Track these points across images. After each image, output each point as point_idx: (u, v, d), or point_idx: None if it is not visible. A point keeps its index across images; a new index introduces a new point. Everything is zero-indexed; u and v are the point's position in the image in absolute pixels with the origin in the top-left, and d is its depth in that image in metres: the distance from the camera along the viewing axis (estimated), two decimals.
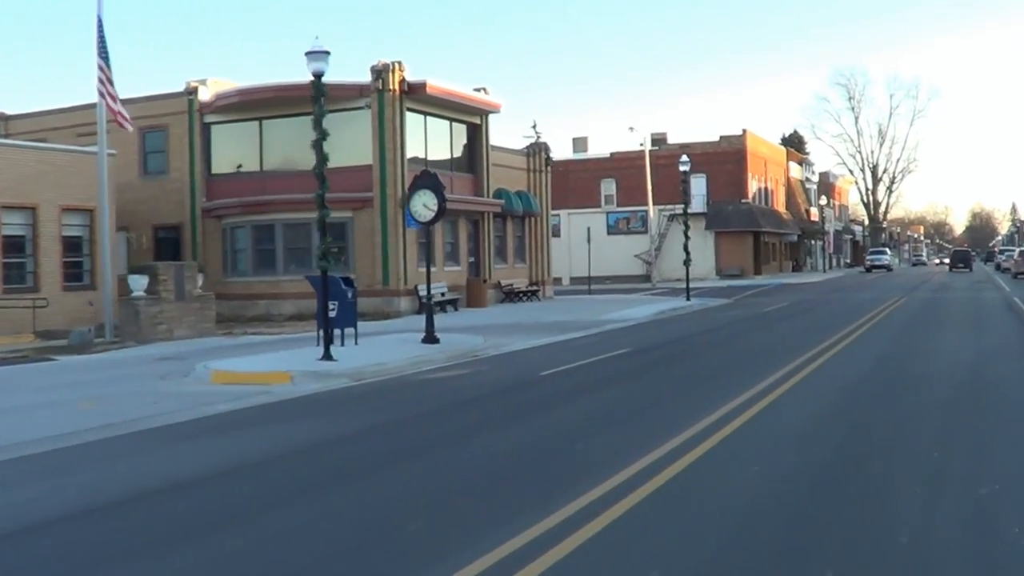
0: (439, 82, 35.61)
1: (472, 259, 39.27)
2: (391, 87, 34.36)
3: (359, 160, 35.08)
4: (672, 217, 67.79)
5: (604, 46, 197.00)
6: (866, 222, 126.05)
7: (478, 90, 39.23)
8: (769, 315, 31.82)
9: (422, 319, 34.31)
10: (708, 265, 67.20)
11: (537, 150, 44.26)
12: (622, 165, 68.21)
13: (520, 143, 44.71)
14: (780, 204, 77.37)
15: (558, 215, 71.45)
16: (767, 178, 72.72)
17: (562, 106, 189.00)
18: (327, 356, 19.17)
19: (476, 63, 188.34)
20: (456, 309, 35.80)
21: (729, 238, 66.04)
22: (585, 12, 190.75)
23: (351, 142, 35.38)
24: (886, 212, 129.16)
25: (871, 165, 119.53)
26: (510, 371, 18.35)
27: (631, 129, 62.07)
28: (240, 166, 37.36)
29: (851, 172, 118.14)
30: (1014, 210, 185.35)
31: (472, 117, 39.23)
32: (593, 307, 37.54)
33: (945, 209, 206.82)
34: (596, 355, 20.16)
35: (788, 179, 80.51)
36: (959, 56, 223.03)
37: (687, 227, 41.67)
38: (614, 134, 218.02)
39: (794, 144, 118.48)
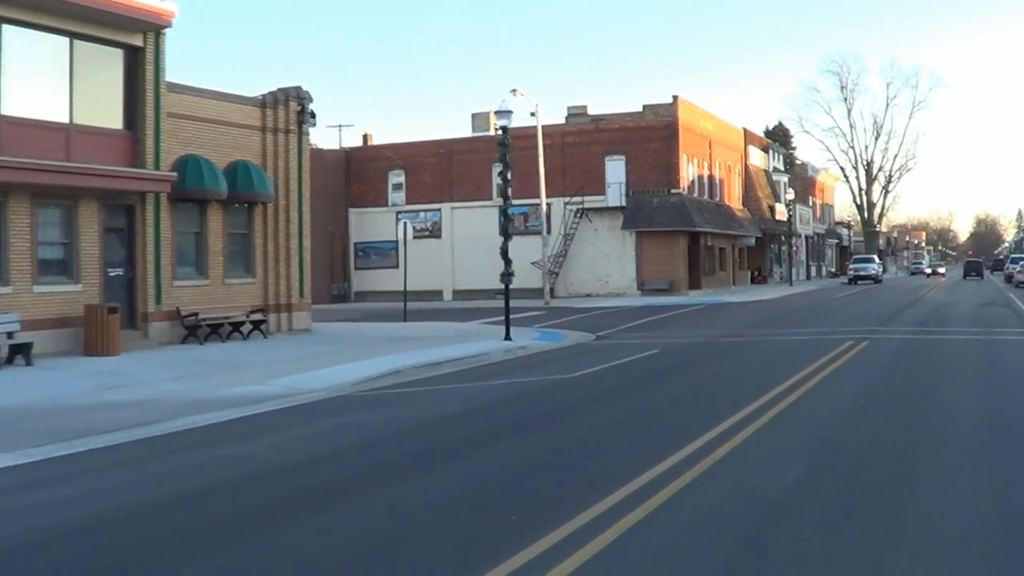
0: None
1: (120, 271, 22.97)
2: None
3: None
4: (581, 212, 51.33)
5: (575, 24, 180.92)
6: (853, 225, 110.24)
7: None
8: (563, 393, 15.66)
9: None
10: (628, 276, 50.72)
11: (283, 99, 27.84)
12: (520, 146, 51.44)
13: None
14: (734, 199, 60.82)
15: (438, 209, 55.36)
16: (713, 164, 56.17)
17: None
18: None
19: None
20: (29, 363, 19.45)
21: (655, 241, 49.49)
22: None
23: None
24: (881, 214, 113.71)
25: (865, 162, 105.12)
26: None
27: (514, 92, 45.54)
28: None
29: (842, 170, 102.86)
30: (1020, 216, 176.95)
31: (126, 35, 22.95)
32: (299, 356, 21.32)
33: (949, 215, 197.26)
34: None
35: (747, 167, 63.89)
36: (964, 52, 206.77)
37: (508, 221, 25.32)
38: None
39: (778, 138, 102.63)
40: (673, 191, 49.53)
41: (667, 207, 49.16)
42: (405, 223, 34.36)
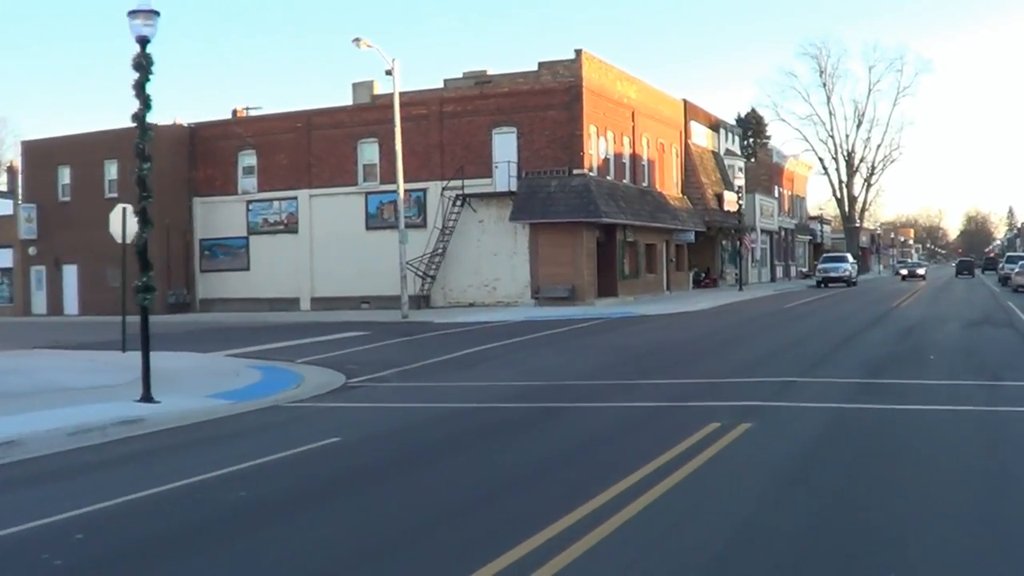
0: None
1: None
2: None
3: None
4: (462, 200, 40.43)
5: None
6: (832, 221, 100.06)
7: None
8: None
9: None
10: (521, 282, 39.86)
11: None
12: (390, 117, 40.73)
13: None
14: (669, 184, 49.92)
15: (295, 198, 44.61)
16: (637, 140, 45.28)
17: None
18: None
19: None
20: None
21: (552, 236, 38.59)
22: None
23: None
24: (864, 209, 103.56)
25: (846, 152, 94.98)
26: None
27: (356, 42, 34.46)
28: None
29: (821, 161, 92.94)
30: (1011, 214, 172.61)
31: None
32: None
33: (939, 212, 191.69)
34: None
35: (687, 147, 52.97)
36: (953, 44, 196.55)
37: (146, 198, 14.27)
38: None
39: (752, 126, 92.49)
40: (576, 171, 38.61)
41: (567, 192, 38.27)
42: (124, 209, 23.26)
